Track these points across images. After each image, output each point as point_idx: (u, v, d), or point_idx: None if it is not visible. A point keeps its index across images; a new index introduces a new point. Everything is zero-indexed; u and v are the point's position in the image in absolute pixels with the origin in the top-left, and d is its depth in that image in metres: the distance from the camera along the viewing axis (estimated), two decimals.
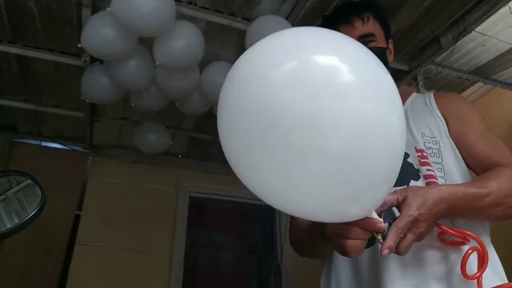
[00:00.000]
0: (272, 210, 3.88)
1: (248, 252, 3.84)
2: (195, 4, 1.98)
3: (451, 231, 0.78)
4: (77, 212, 3.29)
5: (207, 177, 3.72)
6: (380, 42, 1.10)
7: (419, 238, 0.73)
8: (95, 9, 1.97)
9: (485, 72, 2.53)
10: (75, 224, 3.22)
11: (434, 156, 0.98)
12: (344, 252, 0.73)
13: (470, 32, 2.06)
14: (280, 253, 3.60)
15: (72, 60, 2.33)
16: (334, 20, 1.12)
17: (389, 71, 1.08)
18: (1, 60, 2.39)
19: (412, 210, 0.72)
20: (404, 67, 2.41)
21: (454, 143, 1.01)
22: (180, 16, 1.97)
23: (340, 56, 0.61)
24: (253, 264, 3.81)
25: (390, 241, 0.68)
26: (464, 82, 2.66)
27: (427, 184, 0.92)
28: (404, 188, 0.78)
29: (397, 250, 0.70)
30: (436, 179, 0.93)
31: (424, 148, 0.99)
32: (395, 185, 0.89)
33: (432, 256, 0.86)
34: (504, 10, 1.95)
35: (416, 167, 0.96)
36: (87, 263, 3.08)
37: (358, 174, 0.60)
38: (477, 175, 0.97)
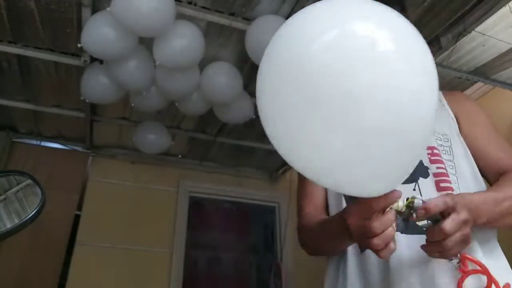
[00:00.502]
0: (272, 210, 3.88)
1: (248, 252, 3.84)
2: (195, 4, 1.98)
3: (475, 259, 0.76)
4: (77, 212, 3.29)
5: (207, 177, 3.72)
6: None
7: (465, 242, 0.72)
8: (95, 9, 1.97)
9: (485, 72, 2.53)
10: (75, 224, 3.22)
11: (446, 154, 0.97)
12: (370, 241, 0.70)
13: (470, 32, 2.05)
14: (280, 253, 3.60)
15: (72, 60, 2.33)
16: None
17: None
18: (1, 60, 2.39)
19: (464, 213, 0.72)
20: None
21: (465, 141, 1.00)
22: (180, 16, 1.96)
23: (380, 26, 0.60)
24: (253, 264, 3.81)
25: (449, 223, 0.69)
26: (464, 82, 2.65)
27: (437, 182, 0.92)
28: (449, 194, 0.78)
29: (443, 245, 0.70)
30: (448, 176, 0.93)
31: (435, 145, 0.98)
32: (405, 182, 0.89)
33: (443, 265, 0.84)
34: (504, 10, 1.94)
35: (425, 164, 0.95)
36: (87, 263, 3.08)
37: (386, 151, 0.60)
38: (484, 176, 0.97)
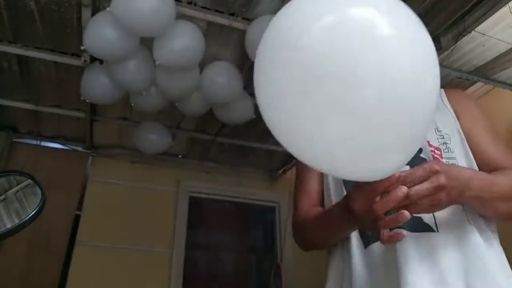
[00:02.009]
0: (272, 210, 3.88)
1: (248, 252, 3.84)
2: (195, 4, 1.98)
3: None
4: (77, 212, 3.29)
5: (207, 177, 3.72)
6: None
7: (432, 208, 0.73)
8: (95, 9, 1.97)
9: (485, 72, 2.53)
10: (75, 224, 3.22)
11: (448, 152, 0.97)
12: (377, 224, 0.71)
13: (470, 32, 2.05)
14: (280, 253, 3.60)
15: (72, 60, 2.33)
16: None
17: None
18: (1, 60, 2.39)
19: (442, 179, 0.72)
20: None
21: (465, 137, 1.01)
22: (180, 16, 1.96)
23: (378, 9, 0.61)
24: (253, 264, 3.81)
25: (417, 188, 0.69)
26: (464, 82, 2.65)
27: None
28: (432, 161, 0.79)
29: (409, 197, 0.69)
30: None
31: (438, 145, 0.98)
32: None
33: (451, 260, 0.84)
34: (504, 10, 1.94)
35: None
36: (87, 263, 3.08)
37: (384, 133, 0.60)
38: None
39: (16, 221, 0.87)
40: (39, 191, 0.91)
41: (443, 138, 0.99)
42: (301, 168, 1.18)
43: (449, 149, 0.98)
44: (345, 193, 0.98)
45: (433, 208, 0.74)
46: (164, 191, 3.54)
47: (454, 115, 1.03)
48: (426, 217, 0.87)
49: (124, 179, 3.45)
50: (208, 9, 2.01)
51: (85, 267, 3.06)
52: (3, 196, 0.88)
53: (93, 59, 2.25)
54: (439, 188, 0.72)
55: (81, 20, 2.01)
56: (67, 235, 3.16)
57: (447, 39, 2.14)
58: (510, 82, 2.62)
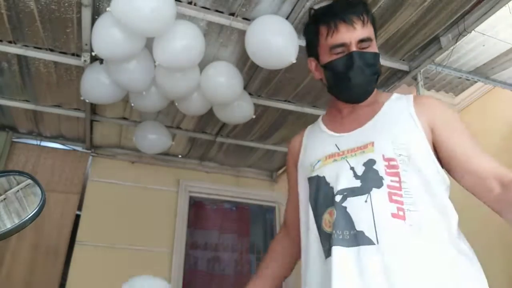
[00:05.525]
0: (272, 210, 3.89)
1: (248, 252, 3.84)
2: (195, 4, 1.98)
3: None
4: (77, 212, 3.29)
5: (207, 177, 3.72)
6: (374, 47, 1.10)
7: None
8: (95, 9, 1.97)
9: (485, 72, 2.53)
10: (75, 224, 3.23)
11: (404, 164, 0.97)
12: None
13: (470, 32, 2.05)
14: None
15: (72, 60, 2.33)
16: (330, 16, 1.08)
17: (379, 74, 1.11)
18: (1, 60, 2.39)
19: None
20: (404, 67, 2.41)
21: (439, 149, 1.00)
22: (180, 16, 1.96)
23: None
24: (253, 264, 3.81)
25: None
26: (464, 82, 2.66)
27: (389, 194, 0.93)
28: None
29: None
30: (400, 190, 0.94)
31: (393, 157, 0.97)
32: (357, 194, 0.95)
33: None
34: (504, 10, 1.95)
35: (380, 175, 0.96)
36: (87, 263, 3.08)
37: None
38: (463, 181, 0.98)
39: (16, 221, 0.87)
40: (39, 191, 0.91)
41: (400, 149, 0.98)
42: (287, 176, 1.29)
43: (404, 161, 0.97)
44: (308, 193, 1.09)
45: None
46: (164, 191, 3.54)
47: (419, 125, 1.01)
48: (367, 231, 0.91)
49: (124, 179, 3.45)
50: (208, 9, 2.01)
51: (85, 267, 3.06)
52: (3, 196, 0.88)
53: (93, 59, 2.25)
54: None
55: (81, 20, 2.00)
56: (67, 235, 3.16)
57: (447, 39, 2.14)
58: (510, 82, 2.62)
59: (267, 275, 1.26)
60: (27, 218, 0.87)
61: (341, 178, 0.99)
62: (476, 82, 2.64)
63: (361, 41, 1.06)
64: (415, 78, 2.44)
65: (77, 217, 3.27)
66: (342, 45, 1.06)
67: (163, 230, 3.38)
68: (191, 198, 3.65)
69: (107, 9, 1.76)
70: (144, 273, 3.21)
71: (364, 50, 1.07)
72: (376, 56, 1.09)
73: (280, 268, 1.30)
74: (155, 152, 3.07)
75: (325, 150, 1.09)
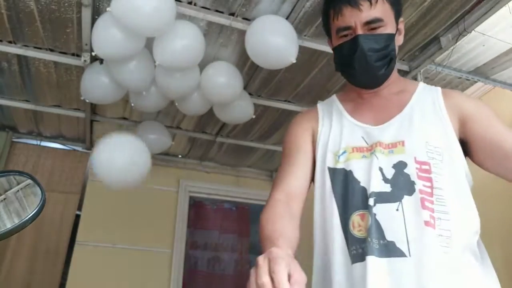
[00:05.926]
0: None
1: (248, 252, 3.84)
2: (195, 4, 1.98)
3: None
4: (77, 212, 3.29)
5: (207, 177, 3.72)
6: (389, 27, 1.01)
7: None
8: (95, 9, 1.97)
9: (485, 72, 2.53)
10: (75, 224, 3.23)
11: (437, 167, 0.91)
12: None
13: (470, 32, 2.05)
14: None
15: (72, 60, 2.33)
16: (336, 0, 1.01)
17: (396, 55, 1.05)
18: (1, 60, 2.39)
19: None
20: (404, 67, 2.41)
21: (474, 141, 0.95)
22: (180, 16, 1.96)
23: None
24: (253, 264, 3.80)
25: None
26: (464, 82, 2.65)
27: (422, 200, 0.87)
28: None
29: None
30: (432, 196, 0.88)
31: (426, 160, 0.91)
32: (388, 201, 0.89)
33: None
34: (504, 10, 1.94)
35: (412, 179, 0.90)
36: (87, 263, 3.08)
37: None
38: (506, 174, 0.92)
39: (16, 221, 0.87)
40: (39, 191, 0.91)
41: (433, 152, 0.92)
42: (289, 141, 1.10)
43: (437, 165, 0.92)
44: (328, 181, 0.97)
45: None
46: (164, 191, 3.54)
47: (452, 125, 0.96)
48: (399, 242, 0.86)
49: None
50: (208, 9, 2.01)
51: (85, 267, 3.06)
52: (3, 196, 0.88)
53: (93, 59, 2.25)
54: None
55: (81, 20, 2.00)
56: (67, 235, 3.16)
57: (447, 39, 2.14)
58: (510, 82, 2.62)
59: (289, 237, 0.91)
60: (27, 218, 0.87)
61: (373, 179, 0.91)
62: (476, 82, 2.64)
63: (368, 23, 0.98)
64: (415, 78, 2.44)
65: (77, 217, 3.27)
66: (347, 28, 1.00)
67: (163, 230, 3.38)
68: (191, 198, 3.65)
69: (107, 9, 1.76)
70: (144, 273, 3.22)
71: (373, 32, 0.99)
72: (387, 37, 1.00)
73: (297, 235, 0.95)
74: (155, 152, 3.06)
75: (350, 141, 0.99)
